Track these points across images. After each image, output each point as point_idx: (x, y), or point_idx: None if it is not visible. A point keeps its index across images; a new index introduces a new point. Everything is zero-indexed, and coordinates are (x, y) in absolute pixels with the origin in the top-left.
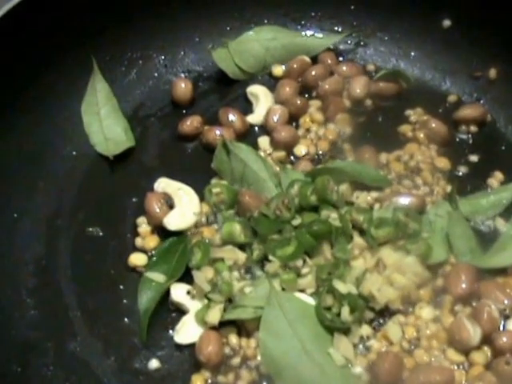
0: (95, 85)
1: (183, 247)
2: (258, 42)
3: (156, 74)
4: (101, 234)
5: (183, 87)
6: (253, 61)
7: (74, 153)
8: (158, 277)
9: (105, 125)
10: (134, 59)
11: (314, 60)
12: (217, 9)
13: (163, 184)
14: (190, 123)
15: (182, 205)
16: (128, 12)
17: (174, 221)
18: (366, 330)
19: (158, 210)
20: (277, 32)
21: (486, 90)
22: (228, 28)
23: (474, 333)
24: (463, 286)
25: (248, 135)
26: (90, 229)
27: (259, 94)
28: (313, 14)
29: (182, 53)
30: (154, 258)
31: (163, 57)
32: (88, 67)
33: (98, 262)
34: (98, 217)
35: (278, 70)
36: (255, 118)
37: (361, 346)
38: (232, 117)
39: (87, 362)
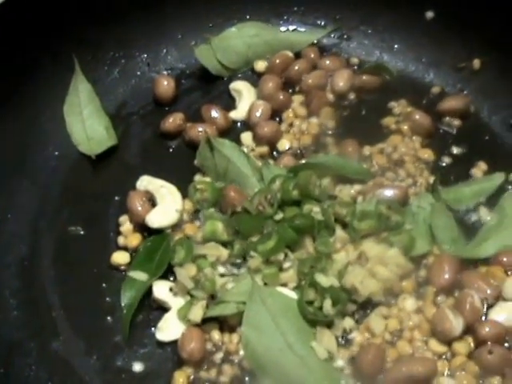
0: (77, 85)
1: (165, 245)
2: (240, 39)
3: (139, 73)
4: (83, 233)
5: (166, 85)
6: (235, 57)
7: (57, 153)
8: (140, 275)
9: (87, 124)
10: (117, 58)
11: (298, 54)
12: (199, 5)
13: (145, 182)
14: (173, 121)
15: (164, 202)
16: (109, 11)
17: (156, 218)
18: (348, 322)
19: (140, 208)
20: (259, 28)
21: (469, 80)
22: (210, 25)
23: (456, 323)
24: (446, 276)
25: (231, 131)
26: (73, 228)
27: (242, 89)
28: (295, 8)
29: (165, 50)
30: (137, 257)
31: (146, 55)
32: (70, 67)
33: (80, 261)
34: (80, 216)
35: (261, 65)
36: (238, 113)
37: (343, 339)
38: (215, 113)
39: (70, 361)
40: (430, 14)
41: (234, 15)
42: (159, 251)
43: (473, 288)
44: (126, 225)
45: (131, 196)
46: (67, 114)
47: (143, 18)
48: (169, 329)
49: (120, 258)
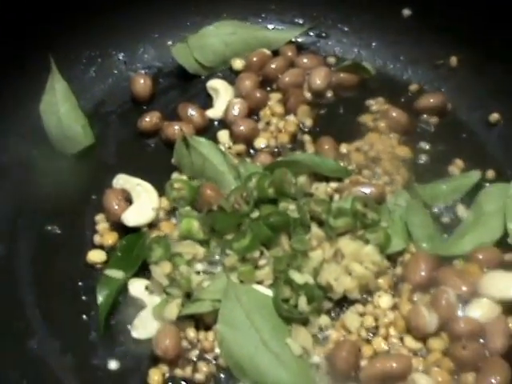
0: (54, 84)
1: (141, 243)
2: (217, 37)
3: (115, 71)
4: (60, 232)
5: (142, 83)
6: (212, 56)
7: (33, 151)
8: (116, 273)
9: (64, 123)
10: (93, 57)
11: (276, 52)
12: (176, 4)
13: (122, 180)
14: (150, 119)
15: (140, 201)
16: (85, 10)
17: (132, 217)
18: (324, 320)
19: (116, 207)
20: (236, 26)
21: (446, 78)
22: (188, 23)
23: (430, 320)
24: (422, 274)
25: (208, 130)
26: (49, 227)
27: (219, 88)
28: (273, 6)
29: (142, 49)
30: (113, 256)
31: (122, 54)
32: (46, 66)
33: (56, 260)
34: (57, 215)
35: (238, 63)
36: (215, 112)
37: (319, 336)
38: (191, 112)
39: (45, 359)
40: (406, 12)
41: (211, 14)
42: (135, 249)
43: (448, 285)
44: (102, 223)
45: (107, 194)
46: (44, 112)
47: (120, 16)
48: (144, 327)
49: (96, 256)
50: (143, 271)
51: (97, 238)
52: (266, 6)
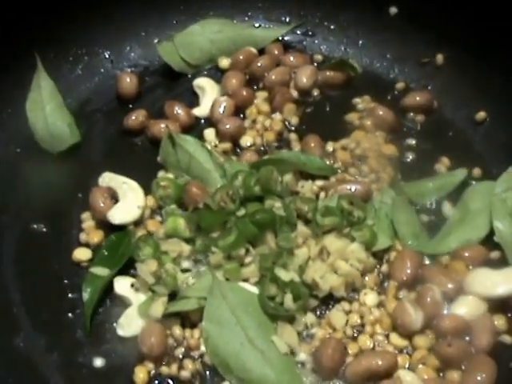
0: (39, 82)
1: (127, 241)
2: (203, 35)
3: (102, 70)
4: (46, 230)
5: (128, 81)
6: (199, 54)
7: (19, 150)
8: (101, 271)
9: (50, 121)
10: (80, 55)
11: (262, 51)
12: (163, 2)
13: (107, 178)
14: (136, 117)
15: (126, 199)
16: (72, 8)
17: (117, 215)
18: (310, 317)
19: (102, 205)
20: (223, 25)
21: (433, 76)
22: (174, 21)
23: (416, 317)
24: (407, 271)
25: (195, 128)
26: (35, 225)
27: (205, 86)
28: (260, 4)
29: (128, 47)
30: (99, 253)
31: (109, 52)
32: (32, 64)
33: (42, 258)
34: (43, 213)
35: (225, 62)
36: (201, 110)
37: (305, 334)
38: (177, 110)
39: (31, 357)
40: (393, 10)
41: (198, 12)
42: (120, 247)
43: (434, 282)
44: (88, 221)
45: (93, 192)
46: (29, 110)
47: (106, 15)
48: (130, 324)
49: (82, 254)
50: (128, 269)
51: (83, 236)
52: (252, 5)
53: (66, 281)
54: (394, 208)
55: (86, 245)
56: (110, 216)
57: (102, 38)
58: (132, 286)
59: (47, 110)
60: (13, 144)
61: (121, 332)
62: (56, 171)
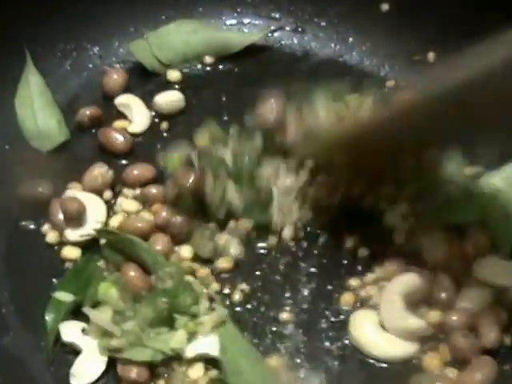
0: (28, 77)
1: (92, 267)
2: (177, 35)
3: (91, 65)
4: (34, 227)
5: (116, 78)
6: (172, 54)
7: (7, 146)
8: (65, 296)
9: (39, 118)
10: (68, 50)
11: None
12: None
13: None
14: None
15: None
16: (60, 2)
17: (74, 232)
18: None
19: (60, 218)
20: (198, 25)
21: (424, 74)
22: (163, 17)
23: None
24: None
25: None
26: (24, 223)
27: (130, 103)
28: (249, 0)
29: (117, 43)
30: (64, 277)
31: (97, 47)
32: (21, 59)
33: (31, 256)
34: (32, 211)
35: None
36: (135, 127)
37: None
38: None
39: (20, 357)
40: (385, 7)
41: (187, 7)
42: (85, 273)
43: None
44: None
45: (52, 205)
46: (18, 107)
47: (95, 9)
48: (83, 374)
49: (71, 252)
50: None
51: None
52: (242, 0)
53: (54, 279)
54: None
55: (76, 243)
56: (67, 233)
57: (91, 33)
58: (83, 331)
59: (36, 106)
60: (1, 141)
61: (75, 382)
62: (45, 168)
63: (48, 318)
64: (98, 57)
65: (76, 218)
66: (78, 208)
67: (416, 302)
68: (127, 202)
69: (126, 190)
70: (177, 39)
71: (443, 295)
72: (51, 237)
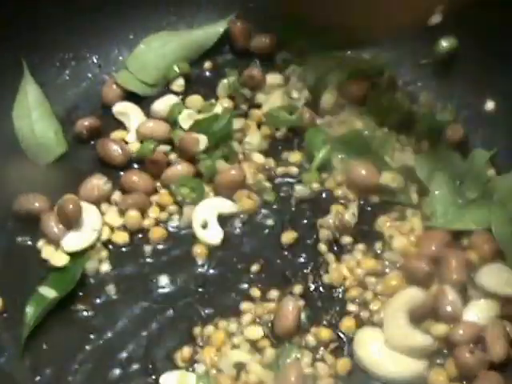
0: (26, 88)
1: (78, 265)
2: (152, 53)
3: (90, 75)
4: (30, 243)
5: (115, 88)
6: (155, 72)
7: (5, 159)
8: (49, 292)
9: (36, 129)
10: (67, 60)
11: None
12: (151, 5)
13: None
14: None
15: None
16: (59, 11)
17: (72, 241)
18: None
19: (55, 231)
20: (165, 37)
21: (431, 78)
22: (164, 24)
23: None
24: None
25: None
26: (20, 238)
27: (127, 111)
28: None
29: (116, 51)
30: (50, 273)
31: (97, 56)
32: (18, 69)
33: (26, 273)
34: (28, 226)
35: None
36: (133, 135)
37: None
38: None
39: (15, 377)
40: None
41: (188, 13)
42: (71, 271)
43: None
44: None
45: (44, 218)
46: (16, 118)
47: (94, 18)
48: None
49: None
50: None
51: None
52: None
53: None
54: None
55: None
56: (64, 244)
57: (90, 41)
58: None
59: (33, 117)
60: None
61: None
62: (42, 180)
63: (29, 310)
64: (97, 66)
65: (73, 218)
66: (75, 208)
67: (420, 317)
68: None
69: None
70: (153, 57)
71: (449, 309)
72: (47, 251)
